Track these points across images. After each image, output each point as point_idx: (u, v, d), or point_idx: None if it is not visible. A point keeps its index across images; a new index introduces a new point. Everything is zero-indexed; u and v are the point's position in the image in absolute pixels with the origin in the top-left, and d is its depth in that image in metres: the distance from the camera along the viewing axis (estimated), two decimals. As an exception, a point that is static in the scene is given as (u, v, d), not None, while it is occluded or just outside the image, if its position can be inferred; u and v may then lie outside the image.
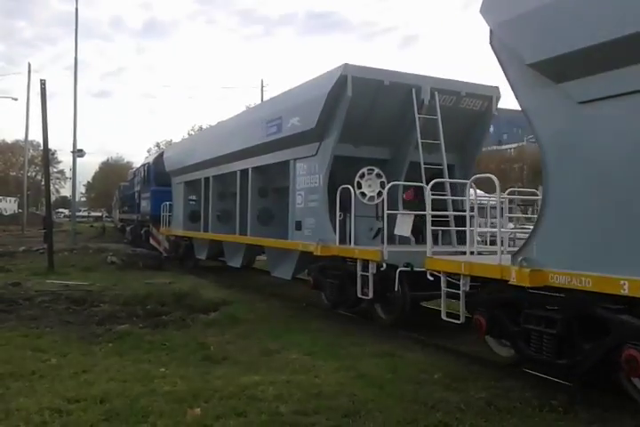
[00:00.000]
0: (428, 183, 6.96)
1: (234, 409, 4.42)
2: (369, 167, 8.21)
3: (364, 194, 8.08)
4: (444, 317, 6.14)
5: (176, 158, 15.85)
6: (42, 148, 19.93)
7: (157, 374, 5.37)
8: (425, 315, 8.23)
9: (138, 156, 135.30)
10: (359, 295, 7.68)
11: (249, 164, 10.94)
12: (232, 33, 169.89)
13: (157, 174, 18.23)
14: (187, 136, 22.36)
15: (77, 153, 25.58)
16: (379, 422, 4.21)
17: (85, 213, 77.17)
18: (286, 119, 9.07)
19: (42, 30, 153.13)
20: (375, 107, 8.33)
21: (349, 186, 7.84)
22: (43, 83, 15.30)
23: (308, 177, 8.82)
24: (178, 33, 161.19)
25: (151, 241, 18.66)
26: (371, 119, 8.43)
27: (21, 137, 50.85)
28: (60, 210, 67.44)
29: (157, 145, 66.22)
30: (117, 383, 5.05)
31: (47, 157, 17.94)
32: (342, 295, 8.30)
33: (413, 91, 8.30)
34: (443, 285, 6.11)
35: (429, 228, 6.45)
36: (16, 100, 41.70)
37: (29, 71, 38.11)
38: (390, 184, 7.60)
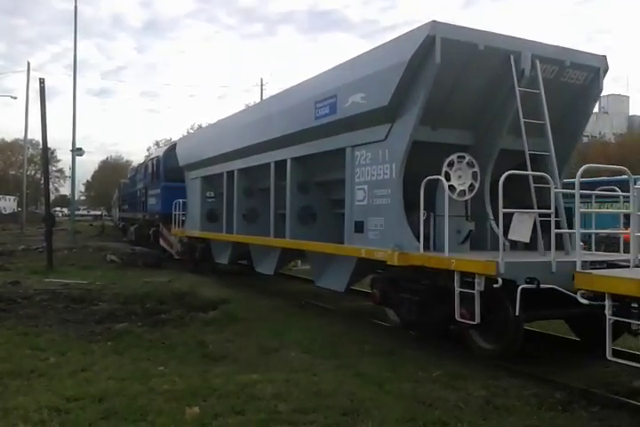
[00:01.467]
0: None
1: (232, 408, 4.43)
2: (459, 154, 6.59)
3: (452, 188, 6.43)
4: (609, 356, 4.58)
5: (191, 151, 14.08)
6: (41, 146, 19.93)
7: (156, 373, 5.37)
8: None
9: (137, 154, 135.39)
10: (458, 318, 5.86)
11: (287, 154, 9.21)
12: (232, 31, 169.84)
13: (168, 169, 16.78)
14: (186, 134, 20.30)
15: (76, 152, 25.56)
16: (377, 421, 4.22)
17: (85, 212, 77.26)
18: (344, 97, 7.43)
19: (42, 29, 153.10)
20: (463, 78, 6.64)
21: (440, 177, 6.32)
22: (42, 81, 15.30)
23: (372, 167, 7.17)
24: (178, 32, 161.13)
25: (161, 242, 17.05)
26: (455, 94, 6.74)
27: (21, 136, 50.84)
28: (57, 209, 67.07)
29: (157, 144, 66.16)
30: (116, 382, 5.06)
31: (46, 155, 17.93)
32: (424, 315, 6.60)
33: (512, 58, 6.65)
34: (608, 311, 4.53)
35: (554, 231, 5.61)
36: (15, 98, 42.02)
37: (28, 70, 38.10)
38: (508, 173, 5.67)
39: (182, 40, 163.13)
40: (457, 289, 5.82)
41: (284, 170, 9.28)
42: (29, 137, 47.25)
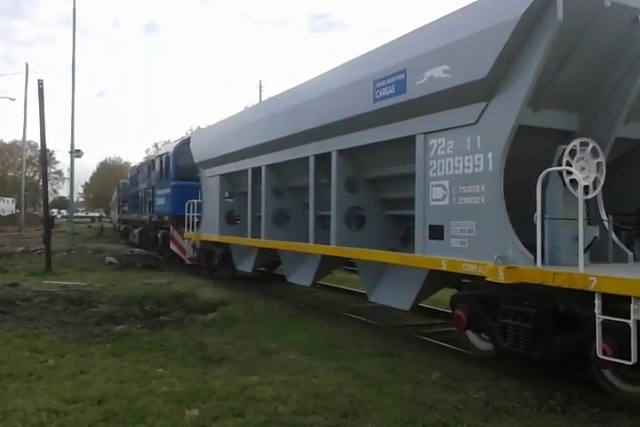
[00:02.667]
0: None
1: (232, 410, 4.42)
2: (582, 140, 5.23)
3: (574, 182, 4.99)
4: None
5: (208, 146, 12.48)
6: (39, 148, 19.93)
7: (155, 375, 5.36)
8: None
9: (136, 156, 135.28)
10: (599, 355, 4.39)
11: (332, 146, 7.80)
12: (230, 33, 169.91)
13: (179, 167, 15.65)
14: (202, 128, 18.15)
15: (75, 153, 25.52)
16: (377, 423, 4.21)
17: (83, 214, 77.21)
18: (417, 72, 5.98)
19: (41, 30, 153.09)
20: (580, 43, 5.20)
21: (561, 168, 5.03)
22: (40, 83, 15.28)
23: (456, 159, 5.75)
24: (176, 33, 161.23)
25: (172, 246, 15.62)
26: (567, 65, 5.30)
27: (19, 137, 50.82)
28: (54, 210, 66.86)
29: (155, 145, 66.18)
30: (115, 384, 5.05)
31: (45, 157, 17.92)
32: (537, 348, 5.00)
33: None
34: None
35: None
36: (14, 100, 41.79)
37: (27, 71, 38.08)
38: None
39: (180, 41, 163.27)
40: (599, 317, 4.38)
41: (327, 165, 7.91)
42: (28, 138, 47.31)
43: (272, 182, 9.86)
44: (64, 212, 69.57)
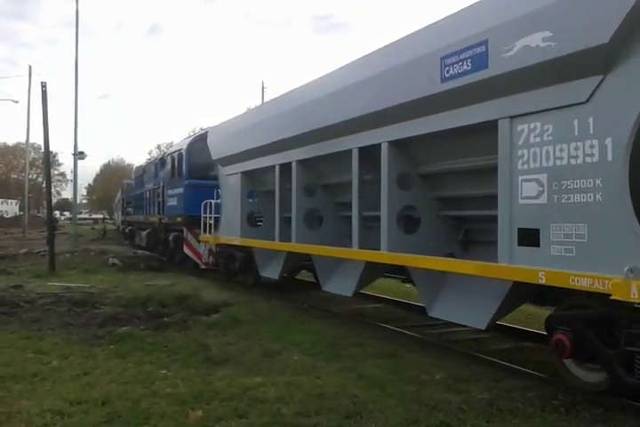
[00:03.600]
0: None
1: (235, 411, 4.42)
2: None
3: None
4: None
5: (228, 141, 11.39)
6: (43, 150, 19.98)
7: (159, 376, 5.36)
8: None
9: (138, 158, 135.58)
10: None
11: (381, 136, 6.74)
12: (233, 34, 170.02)
13: (193, 164, 14.74)
14: (221, 122, 14.69)
15: (78, 155, 25.59)
16: (380, 423, 4.21)
17: (87, 216, 77.37)
18: (503, 42, 4.91)
19: (44, 32, 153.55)
20: None
21: None
22: (44, 85, 15.33)
23: (558, 147, 4.69)
24: (179, 35, 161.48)
25: (185, 250, 14.73)
26: None
27: (22, 139, 51.03)
28: (56, 212, 66.85)
29: (158, 147, 66.28)
30: (119, 385, 5.05)
31: (48, 159, 17.98)
32: None
33: None
34: None
35: None
36: (17, 102, 41.89)
37: (30, 74, 38.20)
38: None
39: (183, 43, 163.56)
40: None
41: (374, 159, 6.93)
42: (31, 141, 47.49)
43: (304, 180, 8.87)
44: (67, 213, 69.70)
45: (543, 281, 4.67)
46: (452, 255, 6.43)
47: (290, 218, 9.14)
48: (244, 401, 4.64)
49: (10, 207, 72.29)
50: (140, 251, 18.70)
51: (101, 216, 72.01)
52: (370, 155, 7.06)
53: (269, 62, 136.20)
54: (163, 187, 17.29)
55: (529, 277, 4.80)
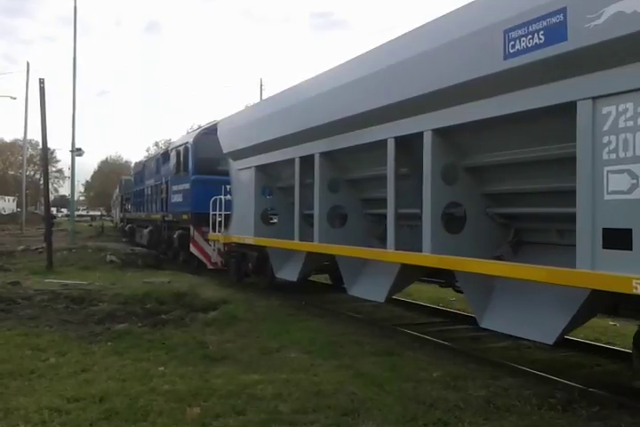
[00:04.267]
0: None
1: (233, 408, 4.43)
2: None
3: None
4: None
5: (241, 133, 10.54)
6: (40, 147, 19.94)
7: (157, 373, 5.37)
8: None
9: (136, 155, 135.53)
10: None
11: (423, 124, 5.95)
12: (231, 32, 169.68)
13: (200, 159, 13.97)
14: (233, 113, 13.34)
15: (76, 152, 25.54)
16: (378, 421, 4.22)
17: (84, 212, 77.29)
18: (587, 9, 4.22)
19: (43, 28, 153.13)
20: None
21: None
22: (41, 82, 15.28)
23: None
24: (177, 32, 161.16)
25: (192, 249, 13.94)
26: None
27: (20, 136, 50.91)
28: (53, 209, 66.60)
29: (156, 144, 66.21)
30: (116, 382, 5.06)
31: (46, 156, 17.91)
32: None
33: None
34: None
35: None
36: (15, 99, 41.86)
37: (28, 70, 38.11)
38: None
39: (181, 40, 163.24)
40: None
41: (412, 150, 6.26)
42: (29, 137, 47.41)
43: (328, 174, 8.14)
44: (64, 210, 69.60)
45: (637, 290, 3.96)
46: (500, 258, 5.81)
47: (309, 216, 8.61)
48: (242, 398, 4.65)
49: (7, 204, 72.10)
50: (137, 248, 18.69)
51: (99, 213, 71.96)
52: (407, 146, 6.37)
53: (268, 60, 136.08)
54: (166, 183, 16.55)
55: (619, 286, 4.08)
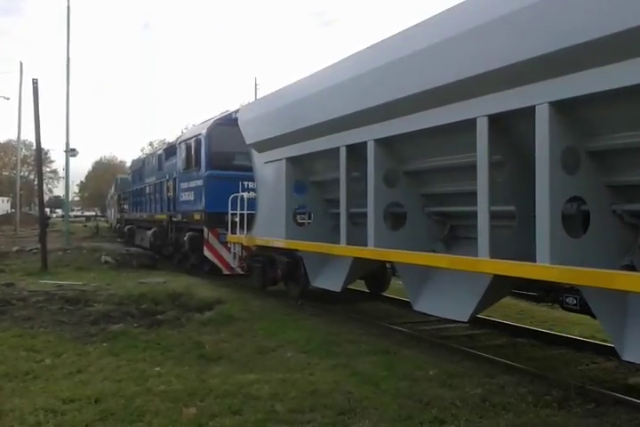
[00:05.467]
0: None
1: (229, 408, 4.42)
2: None
3: None
4: None
5: (269, 121, 9.23)
6: (34, 147, 19.86)
7: (152, 374, 5.36)
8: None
9: (131, 155, 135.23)
10: None
11: (535, 96, 4.68)
12: (226, 31, 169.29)
13: (214, 153, 12.74)
14: (257, 99, 14.15)
15: (70, 152, 25.43)
16: (374, 420, 4.22)
17: (79, 213, 77.02)
18: None
19: (37, 28, 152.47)
20: None
21: None
22: (35, 82, 15.21)
23: None
24: (171, 33, 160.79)
25: (206, 253, 12.62)
26: None
27: (14, 136, 50.82)
28: (47, 210, 66.13)
29: (150, 144, 66.07)
30: (112, 383, 5.04)
31: (40, 156, 17.84)
32: None
33: None
34: None
35: None
36: (8, 99, 41.58)
37: (21, 70, 37.93)
38: None
39: (175, 40, 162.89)
40: None
41: (510, 132, 5.25)
42: (23, 138, 47.23)
43: (384, 165, 6.77)
44: (59, 211, 69.37)
45: None
46: (630, 268, 4.80)
47: (353, 215, 7.59)
48: (238, 398, 4.64)
49: (1, 205, 71.77)
50: (133, 248, 18.62)
51: (94, 214, 71.74)
52: (505, 126, 5.17)
53: (263, 59, 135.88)
54: (174, 180, 15.17)
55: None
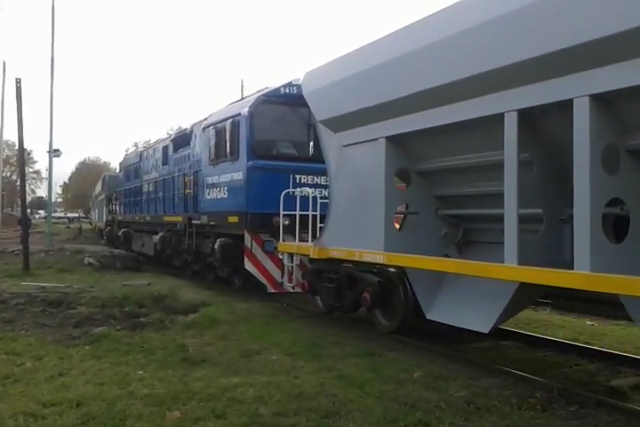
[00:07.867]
0: None
1: (213, 411, 4.39)
2: None
3: None
4: None
5: (355, 87, 6.77)
6: (17, 147, 19.63)
7: (135, 377, 5.30)
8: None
9: (115, 156, 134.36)
10: None
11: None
12: (211, 34, 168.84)
13: (258, 138, 10.10)
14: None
15: (54, 153, 25.20)
16: (359, 423, 4.21)
17: (62, 214, 76.30)
18: None
19: (19, 28, 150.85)
20: None
21: None
22: (18, 81, 15.06)
23: None
24: (156, 32, 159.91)
25: (248, 266, 9.99)
26: None
27: (-4, 137, 50.11)
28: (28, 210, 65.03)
29: (135, 145, 65.59)
30: (94, 387, 4.98)
31: (23, 156, 17.66)
32: None
33: None
34: None
35: None
36: (-10, 99, 40.96)
37: (4, 69, 37.50)
38: None
39: (160, 40, 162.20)
40: None
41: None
42: (5, 138, 46.62)
43: (604, 139, 4.33)
44: (42, 212, 68.61)
45: None
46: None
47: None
48: (222, 402, 4.61)
49: (-18, 206, 70.88)
50: (116, 250, 18.45)
51: (77, 215, 71.07)
52: None
53: (249, 61, 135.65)
54: (194, 174, 12.49)
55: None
